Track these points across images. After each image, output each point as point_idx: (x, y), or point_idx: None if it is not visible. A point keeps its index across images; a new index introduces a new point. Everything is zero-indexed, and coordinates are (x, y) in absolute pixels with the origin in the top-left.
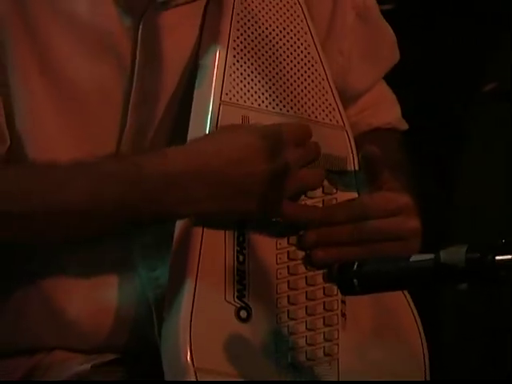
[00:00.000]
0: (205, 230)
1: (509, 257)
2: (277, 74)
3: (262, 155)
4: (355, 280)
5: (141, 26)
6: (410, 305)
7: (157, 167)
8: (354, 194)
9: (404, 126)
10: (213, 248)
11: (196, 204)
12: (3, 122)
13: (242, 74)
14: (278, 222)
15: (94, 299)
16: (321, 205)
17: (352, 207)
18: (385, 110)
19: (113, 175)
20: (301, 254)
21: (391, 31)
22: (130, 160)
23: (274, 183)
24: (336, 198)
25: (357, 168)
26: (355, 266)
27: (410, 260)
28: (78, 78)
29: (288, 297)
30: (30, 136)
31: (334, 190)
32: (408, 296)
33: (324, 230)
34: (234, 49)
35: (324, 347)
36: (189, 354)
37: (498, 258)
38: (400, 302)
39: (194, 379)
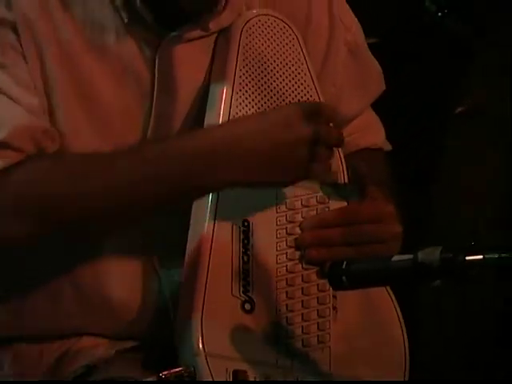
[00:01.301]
0: (214, 234)
1: (478, 257)
2: (277, 99)
3: (255, 136)
4: (344, 277)
5: (157, 57)
6: (392, 300)
7: (201, 141)
8: (344, 203)
9: (388, 146)
10: (221, 250)
11: (226, 174)
12: (53, 129)
13: (246, 98)
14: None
15: (119, 293)
16: (315, 213)
17: (342, 213)
18: (372, 133)
19: (161, 152)
20: (297, 254)
21: (377, 64)
22: (171, 141)
23: (275, 160)
24: (328, 207)
25: (347, 181)
26: (344, 265)
27: (392, 260)
28: (107, 99)
29: (286, 292)
30: (69, 141)
31: (327, 200)
32: (391, 292)
33: (317, 232)
34: (240, 77)
35: (318, 336)
36: (200, 340)
37: (468, 258)
38: (384, 297)
39: (205, 363)
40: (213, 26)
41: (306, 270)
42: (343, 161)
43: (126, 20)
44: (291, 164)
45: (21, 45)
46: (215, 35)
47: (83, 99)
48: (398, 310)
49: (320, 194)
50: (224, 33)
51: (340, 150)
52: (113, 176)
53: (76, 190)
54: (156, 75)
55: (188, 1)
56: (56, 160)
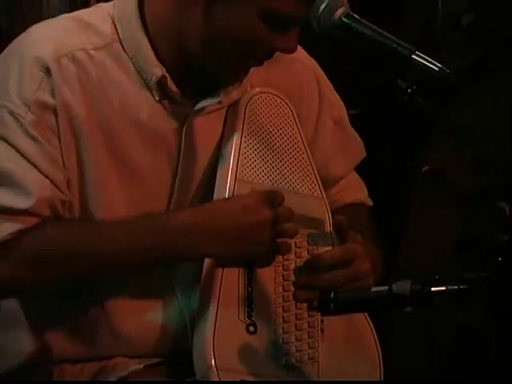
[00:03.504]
0: (224, 269)
1: (441, 288)
2: (275, 160)
3: (234, 214)
4: (332, 304)
5: (185, 128)
6: (369, 324)
7: (175, 221)
8: (330, 247)
9: (370, 202)
10: (230, 282)
11: (198, 248)
12: (76, 198)
13: (250, 159)
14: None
15: (144, 319)
16: (306, 253)
17: (327, 259)
18: (356, 191)
19: (144, 228)
20: (292, 287)
21: (357, 135)
22: (158, 217)
23: (248, 234)
24: (317, 248)
25: (331, 229)
26: (332, 295)
27: (371, 290)
28: (138, 162)
29: (283, 317)
30: (100, 205)
31: (315, 243)
32: (368, 318)
33: (308, 278)
34: (245, 142)
35: (308, 353)
36: (213, 358)
37: (433, 289)
38: (362, 321)
39: (216, 375)
40: (226, 100)
41: None
42: (328, 210)
43: (157, 98)
44: (257, 241)
45: (58, 126)
46: (226, 108)
47: (116, 162)
48: (374, 331)
49: (310, 237)
50: (233, 106)
51: (325, 200)
52: (102, 243)
53: (75, 251)
54: (183, 143)
55: (225, 78)
56: (62, 226)
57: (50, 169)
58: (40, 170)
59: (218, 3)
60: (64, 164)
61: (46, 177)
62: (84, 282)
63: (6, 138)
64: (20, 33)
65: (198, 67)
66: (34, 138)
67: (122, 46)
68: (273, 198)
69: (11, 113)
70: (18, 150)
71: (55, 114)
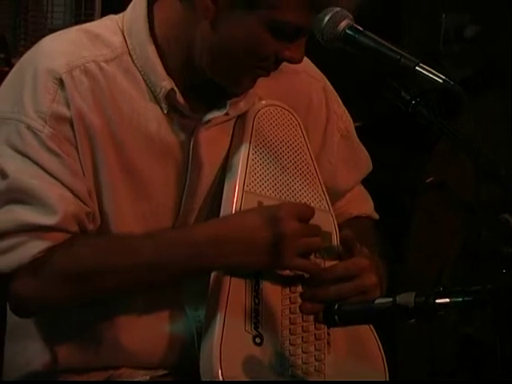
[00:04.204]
0: (231, 281)
1: (445, 300)
2: (283, 172)
3: (261, 226)
4: (336, 316)
5: (192, 141)
6: (374, 335)
7: (202, 232)
8: (337, 260)
9: (375, 215)
10: (237, 294)
11: (227, 258)
12: (96, 208)
13: (258, 171)
14: (283, 275)
15: (153, 331)
16: None
17: (333, 273)
18: (362, 204)
19: (172, 240)
20: (299, 299)
21: (364, 148)
22: (186, 229)
23: (274, 246)
24: (324, 262)
25: (338, 242)
26: (336, 307)
27: (375, 302)
28: (147, 174)
29: (289, 329)
30: (111, 215)
31: (322, 256)
32: (373, 329)
33: (314, 291)
34: (253, 154)
35: (315, 365)
36: (219, 369)
37: (437, 301)
38: (368, 332)
39: None
40: (233, 112)
41: None
42: (335, 223)
43: (165, 111)
44: (283, 254)
45: (75, 137)
46: (234, 120)
47: (126, 175)
48: (379, 342)
49: (316, 252)
50: (241, 118)
51: (332, 214)
52: (131, 257)
53: (104, 266)
54: (190, 156)
55: (232, 89)
56: (91, 241)
57: (73, 182)
58: (63, 184)
59: (224, 15)
60: (84, 175)
61: (70, 190)
62: (112, 297)
63: (27, 154)
64: (25, 45)
65: (206, 80)
66: (53, 152)
67: (132, 58)
68: (302, 212)
69: (29, 127)
70: (39, 165)
71: (71, 125)
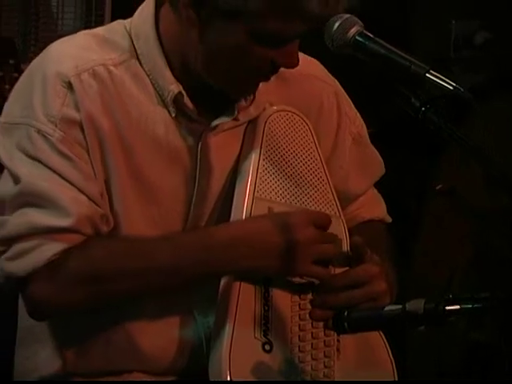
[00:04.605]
0: (241, 288)
1: (455, 307)
2: (293, 178)
3: (274, 231)
4: (346, 323)
5: (200, 146)
6: (384, 341)
7: (221, 235)
8: (347, 266)
9: (388, 219)
10: (246, 300)
11: (242, 261)
12: (109, 211)
13: (268, 177)
14: (293, 282)
15: (162, 336)
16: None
17: (343, 279)
18: (374, 207)
19: (188, 244)
20: (308, 305)
21: (377, 152)
22: (202, 232)
23: (288, 251)
24: (334, 269)
25: (349, 248)
26: (346, 314)
27: (385, 309)
28: (155, 179)
29: (299, 336)
30: (121, 219)
31: (333, 262)
32: (383, 335)
33: (324, 297)
34: (264, 160)
35: (324, 372)
36: (228, 375)
37: (447, 307)
38: (377, 338)
39: None
40: (242, 117)
41: None
42: (346, 228)
43: (173, 114)
44: (299, 259)
45: (86, 141)
46: (244, 126)
47: (137, 183)
48: (390, 351)
49: None
50: (252, 124)
51: (343, 219)
52: (147, 260)
53: (120, 269)
54: (198, 161)
55: (234, 95)
56: (107, 243)
57: (85, 184)
58: (76, 187)
59: (209, 25)
60: (96, 177)
61: (83, 193)
62: (128, 300)
63: (38, 158)
64: (34, 51)
65: (210, 85)
66: (64, 155)
67: (140, 62)
68: (318, 219)
69: (39, 131)
70: (51, 169)
71: (82, 128)
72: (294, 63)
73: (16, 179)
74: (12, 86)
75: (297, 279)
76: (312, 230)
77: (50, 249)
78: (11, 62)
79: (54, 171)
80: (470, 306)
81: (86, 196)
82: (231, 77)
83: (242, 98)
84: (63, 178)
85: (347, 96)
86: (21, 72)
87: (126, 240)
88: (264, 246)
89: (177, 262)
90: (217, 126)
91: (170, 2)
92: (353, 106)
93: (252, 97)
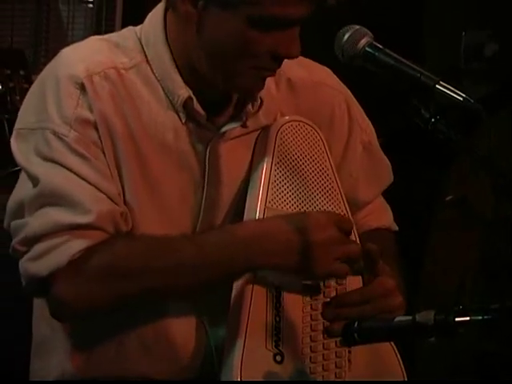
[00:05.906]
0: (252, 298)
1: (465, 318)
2: (305, 189)
3: (293, 230)
4: (356, 334)
5: (208, 153)
6: (395, 351)
7: (244, 231)
8: (359, 274)
9: (395, 227)
10: (258, 311)
11: (272, 257)
12: (127, 212)
13: (280, 187)
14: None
15: (173, 344)
16: (334, 293)
17: (360, 296)
18: (382, 216)
19: (213, 241)
20: (319, 316)
21: (387, 160)
22: (224, 229)
23: (307, 250)
24: (346, 288)
25: (361, 258)
26: (356, 325)
27: (395, 320)
28: (164, 183)
29: (310, 346)
30: (135, 219)
31: (345, 281)
32: (394, 346)
33: (339, 311)
34: (275, 170)
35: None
36: None
37: (457, 319)
38: (388, 349)
39: None
40: (251, 124)
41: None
42: (357, 240)
43: (183, 120)
44: (320, 259)
45: (100, 140)
46: (255, 135)
47: (147, 186)
48: (400, 359)
49: None
50: (263, 134)
51: (356, 231)
52: (171, 258)
53: (144, 267)
54: (207, 167)
55: (238, 93)
56: (131, 241)
57: (103, 183)
58: (94, 186)
59: (206, 18)
60: (112, 176)
61: (101, 191)
62: (152, 299)
63: (54, 159)
64: (45, 63)
65: (218, 90)
66: (81, 155)
67: (150, 67)
68: (342, 223)
69: (54, 133)
70: (68, 169)
71: (96, 128)
72: (294, 51)
73: (35, 181)
74: (22, 96)
75: (308, 288)
76: (334, 230)
77: (73, 246)
78: (22, 73)
79: (71, 171)
80: (480, 317)
81: (105, 194)
82: (233, 71)
83: (248, 97)
84: (81, 177)
85: (358, 104)
86: (31, 83)
87: (149, 238)
88: (286, 243)
89: (202, 259)
90: (225, 132)
91: (170, 2)
92: (364, 113)
93: (259, 102)
